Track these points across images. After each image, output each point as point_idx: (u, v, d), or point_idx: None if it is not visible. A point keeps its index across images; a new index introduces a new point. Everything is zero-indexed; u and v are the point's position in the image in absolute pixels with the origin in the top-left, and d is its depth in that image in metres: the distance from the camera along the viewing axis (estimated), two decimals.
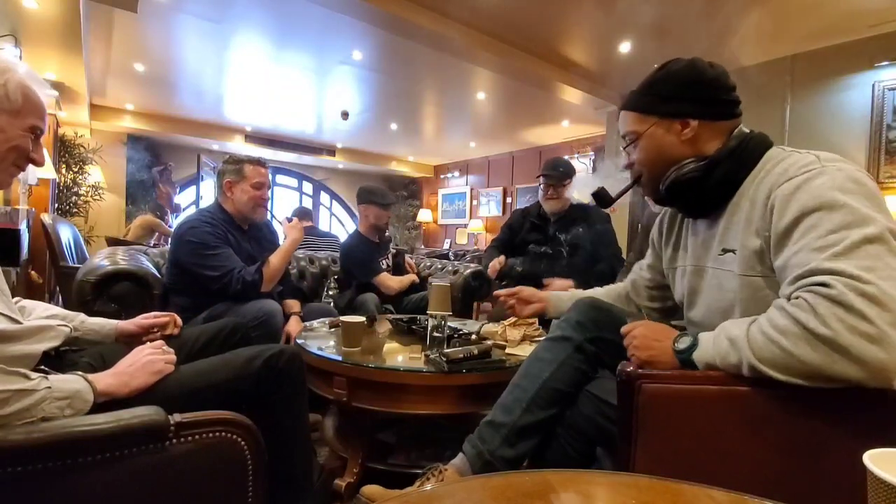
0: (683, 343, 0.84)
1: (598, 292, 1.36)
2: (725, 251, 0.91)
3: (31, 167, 0.90)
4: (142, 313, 1.22)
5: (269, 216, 2.12)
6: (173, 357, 0.97)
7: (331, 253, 3.21)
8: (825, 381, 0.66)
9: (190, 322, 1.76)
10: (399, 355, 1.56)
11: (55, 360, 0.98)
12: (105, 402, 0.80)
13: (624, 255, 2.45)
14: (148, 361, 0.91)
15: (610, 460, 1.02)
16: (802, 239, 0.74)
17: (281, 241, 2.08)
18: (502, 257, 2.42)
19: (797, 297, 0.70)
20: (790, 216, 0.77)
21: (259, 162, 2.01)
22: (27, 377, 0.70)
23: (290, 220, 2.06)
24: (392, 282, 2.60)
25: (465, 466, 1.02)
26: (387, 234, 2.86)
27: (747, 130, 0.95)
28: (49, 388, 0.71)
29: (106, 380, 0.83)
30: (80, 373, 0.80)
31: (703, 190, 0.94)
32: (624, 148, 1.05)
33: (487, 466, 1.00)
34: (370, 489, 1.08)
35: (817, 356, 0.65)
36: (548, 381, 1.04)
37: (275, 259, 1.95)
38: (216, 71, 4.89)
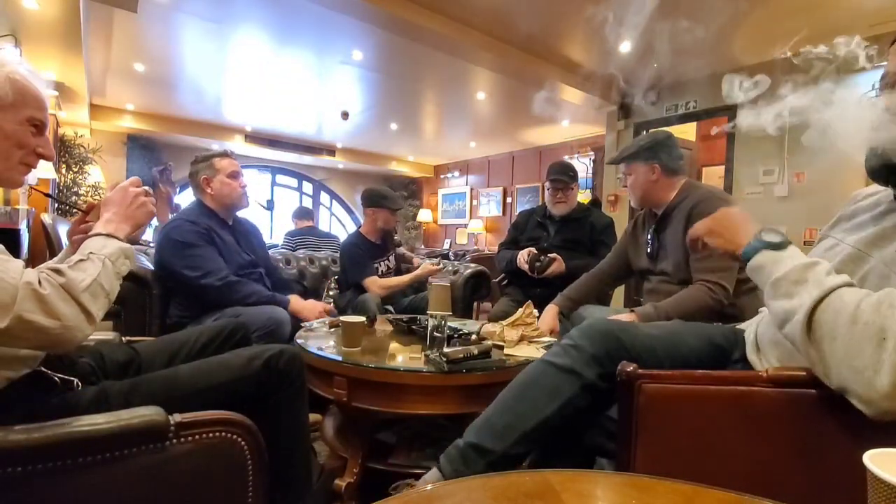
0: (771, 236, 0.78)
1: None
2: None
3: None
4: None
5: (248, 203, 2.12)
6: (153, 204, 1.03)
7: (331, 253, 3.20)
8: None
9: (192, 322, 1.77)
10: (399, 355, 1.56)
11: (55, 360, 0.97)
12: (105, 401, 0.80)
13: None
14: (149, 211, 0.98)
15: (610, 468, 1.01)
16: None
17: None
18: (530, 248, 2.43)
19: None
20: None
21: (227, 154, 2.06)
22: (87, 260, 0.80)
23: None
24: (376, 287, 2.59)
25: None
26: (395, 237, 2.86)
27: None
28: (104, 258, 0.81)
29: (123, 229, 0.91)
30: (101, 232, 0.87)
31: None
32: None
33: None
34: None
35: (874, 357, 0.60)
36: (550, 419, 0.92)
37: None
38: (216, 71, 4.88)
